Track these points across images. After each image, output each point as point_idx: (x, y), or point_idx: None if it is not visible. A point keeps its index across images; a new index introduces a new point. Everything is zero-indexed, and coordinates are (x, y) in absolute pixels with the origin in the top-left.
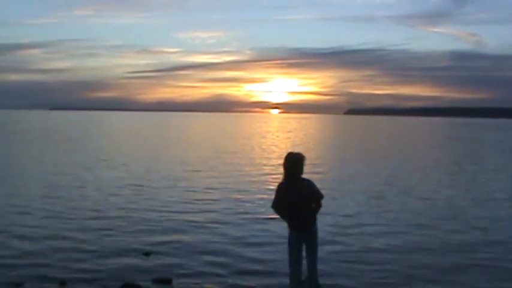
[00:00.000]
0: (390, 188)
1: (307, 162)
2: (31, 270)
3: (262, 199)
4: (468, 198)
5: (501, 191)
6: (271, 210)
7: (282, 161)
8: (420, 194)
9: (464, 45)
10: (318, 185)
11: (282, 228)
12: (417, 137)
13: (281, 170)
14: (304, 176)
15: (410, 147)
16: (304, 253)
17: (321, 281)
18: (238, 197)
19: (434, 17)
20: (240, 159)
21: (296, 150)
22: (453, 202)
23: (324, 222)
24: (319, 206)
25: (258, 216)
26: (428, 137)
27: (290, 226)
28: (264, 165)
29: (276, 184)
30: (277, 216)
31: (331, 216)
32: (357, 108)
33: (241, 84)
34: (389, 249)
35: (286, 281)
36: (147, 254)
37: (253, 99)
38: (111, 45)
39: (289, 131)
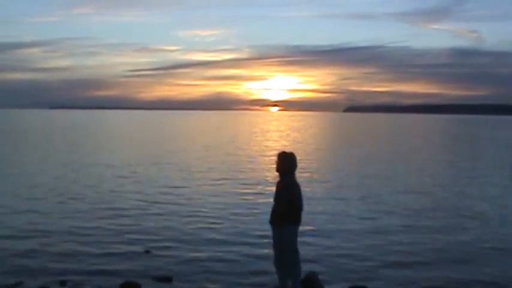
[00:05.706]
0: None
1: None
2: (31, 269)
3: (265, 198)
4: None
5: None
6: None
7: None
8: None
9: (464, 42)
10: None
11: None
12: (417, 135)
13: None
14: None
15: (410, 146)
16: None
17: None
18: (240, 196)
19: (434, 13)
20: (245, 158)
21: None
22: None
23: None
24: None
25: (260, 216)
26: (428, 134)
27: (297, 222)
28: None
29: (275, 182)
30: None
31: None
32: (356, 106)
33: (241, 82)
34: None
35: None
36: (147, 252)
37: (253, 97)
38: (110, 44)
39: (295, 130)
